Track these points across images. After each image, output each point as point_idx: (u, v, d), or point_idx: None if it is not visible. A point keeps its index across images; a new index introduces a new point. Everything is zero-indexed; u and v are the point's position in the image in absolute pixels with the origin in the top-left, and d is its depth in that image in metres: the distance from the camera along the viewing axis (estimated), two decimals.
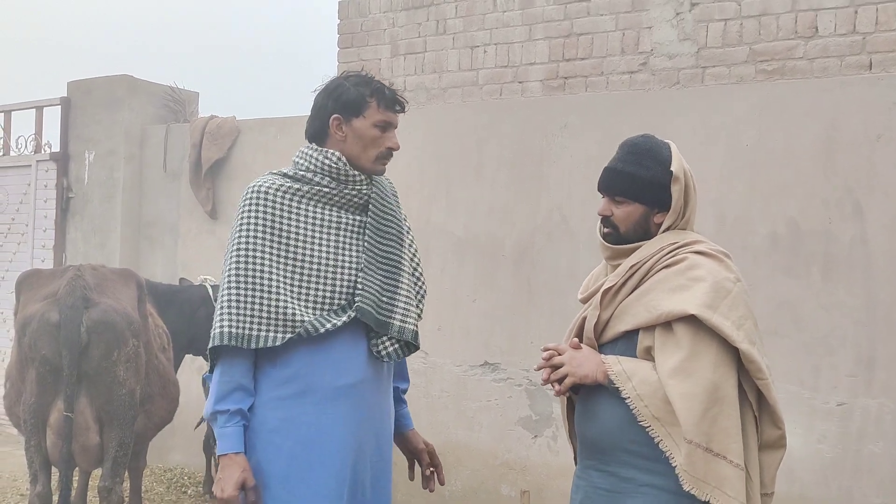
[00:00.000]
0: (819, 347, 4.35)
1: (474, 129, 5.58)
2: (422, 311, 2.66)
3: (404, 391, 2.80)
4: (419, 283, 2.67)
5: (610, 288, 2.30)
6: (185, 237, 6.76)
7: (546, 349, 2.31)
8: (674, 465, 2.13)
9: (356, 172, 2.51)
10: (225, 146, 6.50)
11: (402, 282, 2.55)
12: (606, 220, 2.40)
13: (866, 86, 4.35)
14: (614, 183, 2.38)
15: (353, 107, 2.51)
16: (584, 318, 2.36)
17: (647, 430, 2.17)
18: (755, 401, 2.23)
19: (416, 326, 2.59)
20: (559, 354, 2.28)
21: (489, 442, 5.31)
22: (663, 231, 2.35)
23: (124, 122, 6.87)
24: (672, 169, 2.35)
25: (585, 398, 2.32)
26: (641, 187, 2.34)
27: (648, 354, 2.23)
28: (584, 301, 2.44)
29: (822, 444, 4.25)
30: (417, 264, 2.67)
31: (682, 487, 2.14)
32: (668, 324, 2.19)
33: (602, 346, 2.32)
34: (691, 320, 2.16)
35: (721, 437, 2.11)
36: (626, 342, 2.28)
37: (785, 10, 4.59)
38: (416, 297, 2.62)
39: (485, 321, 5.41)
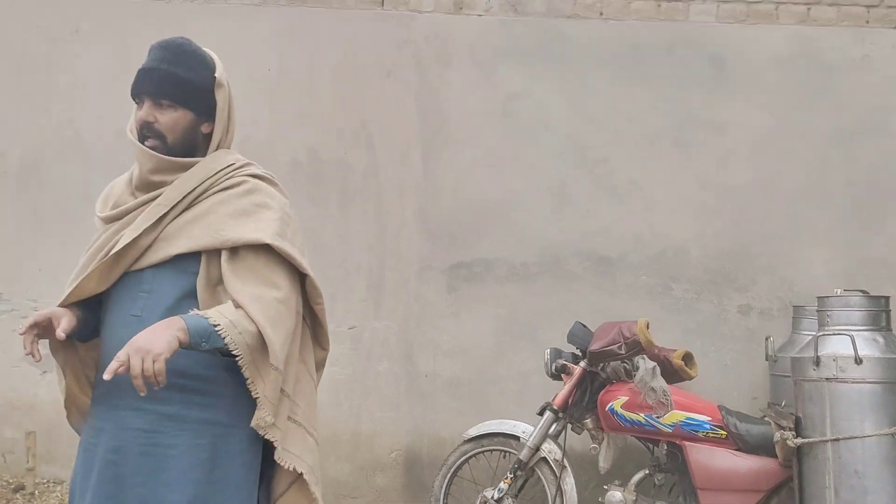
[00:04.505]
0: (336, 274, 4.53)
1: None
2: None
3: None
4: None
5: (163, 212, 2.08)
6: None
7: (110, 371, 1.93)
8: (256, 395, 2.01)
9: None
10: None
11: None
12: (149, 128, 2.11)
13: (379, 21, 4.53)
14: (160, 84, 2.10)
15: None
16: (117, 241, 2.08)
17: (237, 359, 1.99)
18: (311, 323, 2.23)
19: None
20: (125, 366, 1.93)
21: None
22: (214, 147, 2.18)
23: None
24: (216, 75, 2.16)
25: (112, 334, 2.06)
26: (190, 91, 2.12)
27: (206, 279, 2.07)
28: (110, 220, 2.15)
29: (334, 366, 4.48)
30: None
31: (234, 420, 2.06)
32: (234, 249, 2.06)
33: (142, 272, 2.08)
34: (262, 247, 2.07)
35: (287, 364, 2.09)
36: (176, 266, 2.08)
37: None
38: None
39: None
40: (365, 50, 4.50)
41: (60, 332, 2.02)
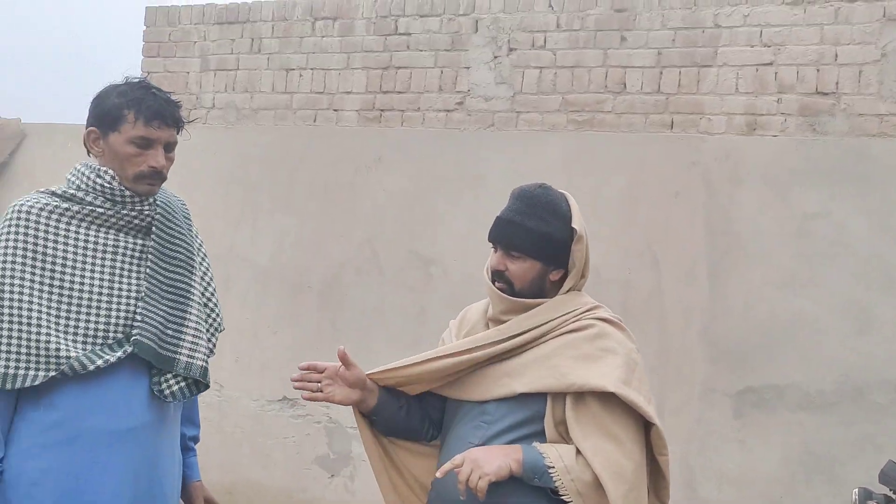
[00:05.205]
0: None
1: (286, 155, 5.42)
2: (214, 345, 2.44)
3: (192, 438, 2.55)
4: (213, 316, 2.44)
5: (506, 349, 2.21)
6: None
7: (443, 471, 2.12)
8: None
9: (132, 192, 2.27)
10: (6, 150, 6.00)
11: (190, 312, 2.33)
12: (499, 275, 2.24)
13: (667, 144, 4.58)
14: (512, 237, 2.22)
15: (109, 119, 2.27)
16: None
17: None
18: (651, 474, 2.21)
19: (207, 362, 2.35)
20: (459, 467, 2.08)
21: (284, 480, 5.12)
22: (565, 290, 2.25)
23: None
24: (574, 226, 2.24)
25: (449, 458, 2.15)
26: (541, 244, 2.21)
27: (552, 419, 2.14)
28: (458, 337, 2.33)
29: None
30: (212, 294, 2.45)
31: None
32: (579, 394, 2.10)
33: (485, 403, 2.21)
34: (607, 394, 2.09)
35: None
36: (519, 402, 2.16)
37: (597, 65, 4.77)
38: (207, 331, 2.40)
39: (285, 355, 5.22)
40: (652, 172, 4.55)
41: (341, 348, 2.28)
